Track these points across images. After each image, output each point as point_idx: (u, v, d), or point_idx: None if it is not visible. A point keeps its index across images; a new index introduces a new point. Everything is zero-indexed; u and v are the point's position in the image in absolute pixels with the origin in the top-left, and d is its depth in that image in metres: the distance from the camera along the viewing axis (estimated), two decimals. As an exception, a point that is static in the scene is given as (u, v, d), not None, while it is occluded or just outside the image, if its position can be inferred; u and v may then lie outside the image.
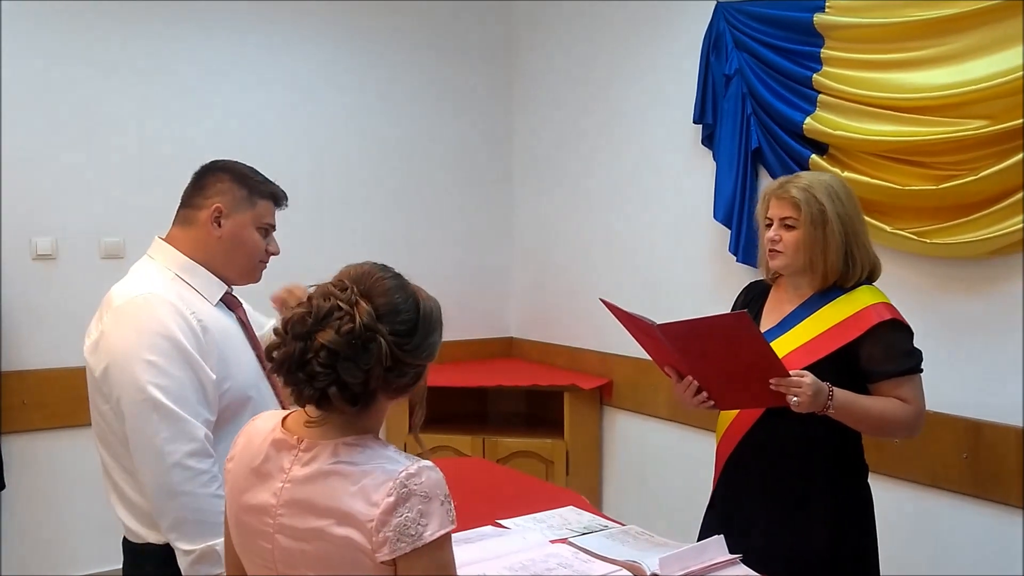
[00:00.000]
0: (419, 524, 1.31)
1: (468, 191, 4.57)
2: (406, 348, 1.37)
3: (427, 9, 4.37)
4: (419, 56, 4.37)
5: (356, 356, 1.33)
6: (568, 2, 4.26)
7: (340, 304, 1.34)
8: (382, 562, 1.32)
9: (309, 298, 1.38)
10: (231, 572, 1.59)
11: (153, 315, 1.87)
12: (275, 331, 1.42)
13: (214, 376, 1.90)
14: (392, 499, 1.31)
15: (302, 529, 1.38)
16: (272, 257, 2.12)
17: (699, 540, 2.30)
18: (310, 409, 1.42)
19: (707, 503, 2.44)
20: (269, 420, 1.51)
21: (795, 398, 2.07)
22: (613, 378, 4.06)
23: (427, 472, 1.35)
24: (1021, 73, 2.48)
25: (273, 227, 2.10)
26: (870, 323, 2.16)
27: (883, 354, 2.15)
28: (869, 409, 2.15)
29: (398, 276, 1.43)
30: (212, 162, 2.08)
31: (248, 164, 2.10)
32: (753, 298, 2.41)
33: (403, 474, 1.33)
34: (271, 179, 2.10)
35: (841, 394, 2.11)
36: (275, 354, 1.38)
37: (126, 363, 1.85)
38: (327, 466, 1.38)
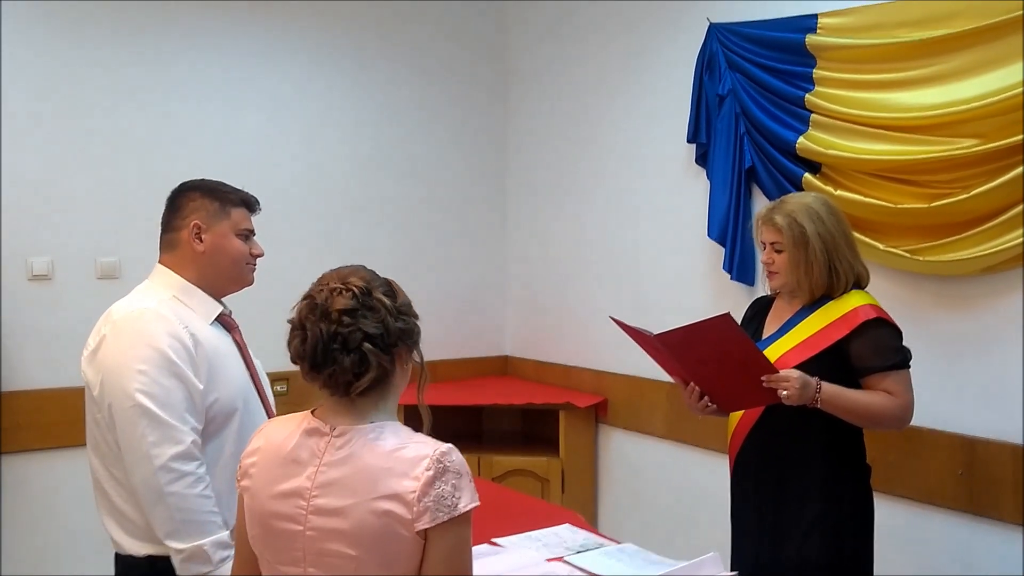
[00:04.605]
0: (454, 496, 1.46)
1: (462, 210, 4.58)
2: (397, 303, 1.56)
3: (420, 25, 4.39)
4: (413, 73, 4.39)
5: (369, 310, 1.51)
6: (563, 23, 4.29)
7: (334, 287, 1.52)
8: (418, 532, 1.45)
9: (307, 295, 1.54)
10: (239, 569, 1.67)
11: (146, 328, 1.99)
12: (291, 339, 1.53)
13: (201, 387, 2.00)
14: (431, 473, 1.46)
15: (339, 507, 1.48)
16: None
17: (732, 540, 2.51)
18: (337, 399, 1.54)
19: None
20: (289, 420, 1.62)
21: (784, 392, 2.24)
22: (608, 396, 4.06)
23: (455, 452, 1.50)
24: (1011, 93, 2.50)
25: (252, 231, 2.19)
26: (857, 321, 2.32)
27: (871, 350, 2.33)
28: (856, 401, 2.31)
29: (363, 266, 1.61)
30: (180, 185, 2.18)
31: (217, 180, 2.20)
32: (758, 311, 2.60)
33: (437, 452, 1.48)
34: (245, 190, 2.20)
35: (829, 387, 2.27)
36: (303, 346, 1.50)
37: (118, 372, 1.96)
38: (362, 448, 1.50)
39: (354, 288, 1.51)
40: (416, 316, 1.60)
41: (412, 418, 1.64)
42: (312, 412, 1.59)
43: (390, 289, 1.57)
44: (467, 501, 1.48)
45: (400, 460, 1.47)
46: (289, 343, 1.55)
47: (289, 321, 1.55)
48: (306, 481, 1.51)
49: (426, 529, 1.45)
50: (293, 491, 1.52)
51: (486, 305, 4.66)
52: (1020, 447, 2.62)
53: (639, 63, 3.88)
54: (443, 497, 1.45)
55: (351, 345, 1.48)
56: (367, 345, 1.49)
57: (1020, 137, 2.48)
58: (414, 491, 1.44)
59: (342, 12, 4.18)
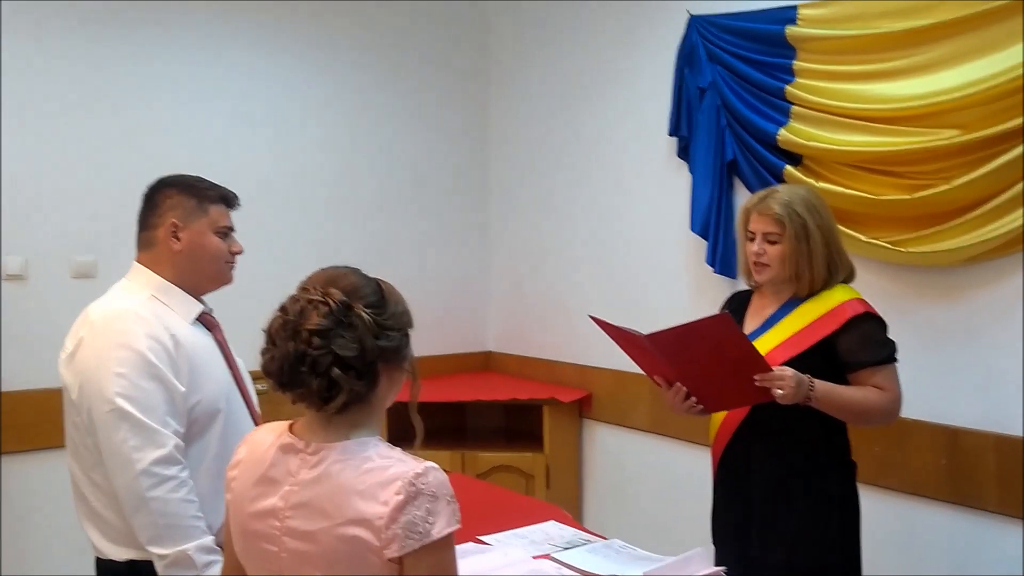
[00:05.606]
0: (427, 522, 1.36)
1: (443, 204, 4.55)
2: (383, 315, 1.45)
3: (399, 18, 4.36)
4: (392, 66, 4.35)
5: (344, 330, 1.40)
6: (544, 16, 4.27)
7: (311, 298, 1.42)
8: (390, 559, 1.36)
9: (281, 307, 1.45)
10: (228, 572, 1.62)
11: (125, 329, 1.95)
12: (262, 351, 1.46)
13: (183, 389, 1.96)
14: (401, 497, 1.36)
15: (310, 530, 1.41)
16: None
17: (713, 539, 2.46)
18: (315, 413, 1.46)
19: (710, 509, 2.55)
20: (272, 429, 1.55)
21: (779, 391, 2.18)
22: (592, 391, 4.05)
23: (433, 472, 1.40)
24: (991, 83, 2.51)
25: (231, 228, 2.14)
26: (846, 317, 2.30)
27: (859, 345, 2.29)
28: (849, 397, 2.27)
29: (354, 269, 1.51)
30: (158, 180, 2.12)
31: (195, 175, 2.14)
32: (735, 307, 2.52)
33: (411, 474, 1.38)
34: (222, 184, 2.15)
35: (821, 384, 2.23)
36: (271, 366, 1.43)
37: (97, 376, 1.92)
38: (335, 468, 1.42)
39: (331, 303, 1.40)
40: (406, 326, 1.50)
41: (397, 413, 1.58)
42: (291, 426, 1.52)
43: (379, 298, 1.46)
44: (443, 526, 1.37)
45: (372, 482, 1.38)
46: (261, 356, 1.46)
47: (263, 331, 1.47)
48: (280, 501, 1.45)
49: (399, 556, 1.35)
50: (268, 511, 1.46)
51: (468, 300, 4.64)
52: (1003, 437, 2.63)
53: (620, 56, 3.87)
54: (414, 524, 1.35)
55: (319, 369, 1.38)
56: (336, 371, 1.38)
57: (1001, 127, 2.49)
58: (381, 517, 1.35)
59: (318, 5, 4.14)
